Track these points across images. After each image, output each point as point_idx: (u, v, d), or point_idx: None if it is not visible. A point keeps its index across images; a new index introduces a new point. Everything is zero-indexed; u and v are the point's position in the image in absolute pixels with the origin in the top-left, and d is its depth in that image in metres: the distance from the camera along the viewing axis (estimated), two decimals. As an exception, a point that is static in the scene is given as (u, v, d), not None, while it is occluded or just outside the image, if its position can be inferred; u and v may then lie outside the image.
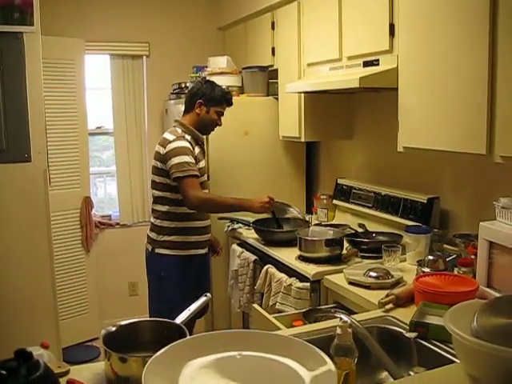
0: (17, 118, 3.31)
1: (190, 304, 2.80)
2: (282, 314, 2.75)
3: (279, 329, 2.37)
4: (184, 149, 3.16)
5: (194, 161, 3.17)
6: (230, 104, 3.42)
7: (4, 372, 1.31)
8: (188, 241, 3.31)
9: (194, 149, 3.25)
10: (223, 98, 3.36)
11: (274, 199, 3.37)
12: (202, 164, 3.35)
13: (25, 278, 3.44)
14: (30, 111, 3.33)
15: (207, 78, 4.20)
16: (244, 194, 3.85)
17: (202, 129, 3.36)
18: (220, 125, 3.40)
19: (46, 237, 3.49)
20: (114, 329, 1.74)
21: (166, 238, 3.28)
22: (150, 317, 3.25)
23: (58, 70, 4.39)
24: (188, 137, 3.25)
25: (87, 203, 4.70)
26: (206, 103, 3.32)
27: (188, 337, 1.43)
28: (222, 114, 3.39)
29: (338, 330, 1.45)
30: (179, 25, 5.00)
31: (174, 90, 4.69)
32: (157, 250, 3.29)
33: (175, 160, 3.13)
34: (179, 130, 3.27)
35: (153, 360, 1.22)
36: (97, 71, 5.04)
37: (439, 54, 2.50)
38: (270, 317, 2.50)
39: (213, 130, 3.44)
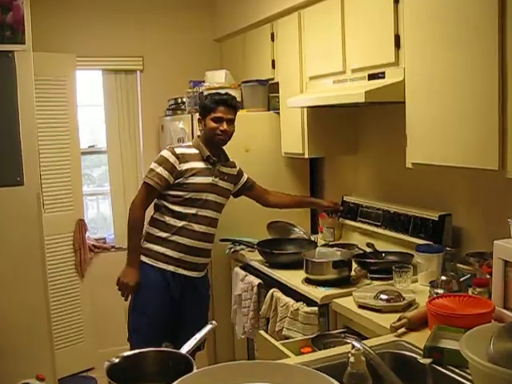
0: (8, 139, 3.36)
1: (160, 323, 3.28)
2: (289, 340, 2.78)
3: (287, 356, 2.40)
4: (160, 157, 3.32)
5: (163, 171, 3.25)
6: (222, 103, 3.35)
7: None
8: (168, 255, 3.33)
9: (185, 161, 3.30)
10: (212, 102, 3.35)
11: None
12: (200, 180, 3.32)
13: (18, 306, 3.46)
14: (21, 132, 3.37)
15: (204, 92, 4.27)
16: (246, 213, 3.92)
17: (209, 144, 3.38)
18: (223, 130, 3.33)
19: (40, 264, 3.52)
20: (117, 360, 1.76)
21: (148, 245, 3.36)
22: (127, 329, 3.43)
23: (48, 88, 4.43)
24: (191, 150, 3.37)
25: (81, 226, 4.73)
26: (201, 117, 3.40)
27: (196, 370, 1.46)
28: (221, 120, 3.33)
29: (351, 358, 1.49)
30: (174, 37, 5.05)
31: (170, 105, 4.75)
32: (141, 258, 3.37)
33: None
34: (189, 143, 3.52)
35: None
36: (89, 87, 5.10)
37: (447, 66, 2.55)
38: (277, 343, 2.54)
39: (221, 139, 3.38)
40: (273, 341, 2.58)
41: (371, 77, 3.10)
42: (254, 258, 3.71)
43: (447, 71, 2.55)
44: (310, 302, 3.01)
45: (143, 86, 5.05)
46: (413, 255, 3.17)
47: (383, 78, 3.01)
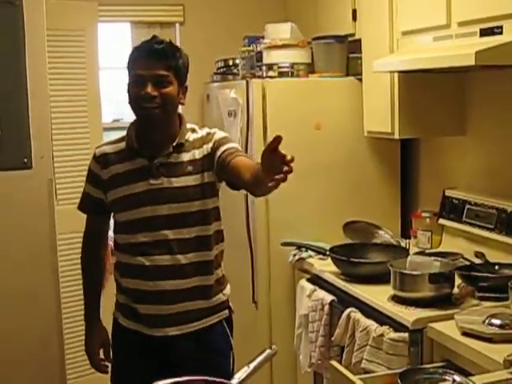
0: (13, 110, 3.43)
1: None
2: (371, 375, 2.81)
3: None
4: (88, 169, 2.97)
5: (91, 188, 2.90)
6: (142, 52, 2.74)
7: None
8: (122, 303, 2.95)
9: (107, 165, 2.82)
10: (130, 55, 2.79)
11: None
12: (125, 190, 2.78)
13: (24, 326, 3.54)
14: (30, 101, 3.43)
15: (264, 52, 4.32)
16: (315, 211, 3.95)
17: (139, 122, 2.84)
18: (146, 96, 2.65)
19: (51, 270, 3.61)
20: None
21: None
22: None
23: (63, 45, 4.48)
24: (118, 145, 2.87)
25: (102, 223, 4.82)
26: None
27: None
28: (142, 80, 2.67)
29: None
30: (224, -19, 5.12)
31: (219, 68, 4.81)
32: None
33: None
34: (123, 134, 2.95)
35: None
36: (114, 44, 5.18)
37: None
38: (355, 378, 2.57)
39: (148, 113, 2.70)
40: (349, 375, 2.61)
41: (484, 32, 3.09)
42: (326, 269, 3.75)
43: None
44: (398, 326, 3.04)
45: (184, 43, 5.08)
46: (537, 269, 3.17)
47: (500, 33, 3.00)
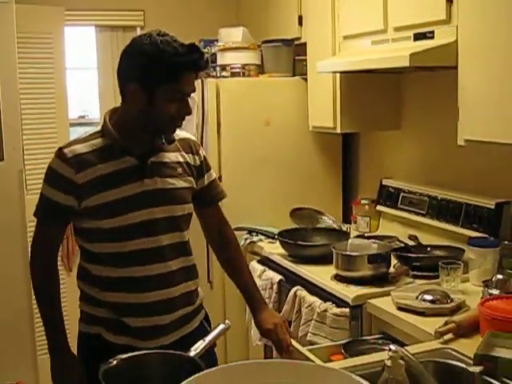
0: (-16, 106, 3.41)
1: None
2: (317, 346, 2.84)
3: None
4: (47, 170, 2.31)
5: (51, 191, 2.27)
6: (193, 65, 2.25)
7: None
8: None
9: (84, 167, 2.24)
10: (172, 63, 2.19)
11: None
12: (117, 193, 2.28)
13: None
14: (1, 98, 3.41)
15: (218, 54, 4.30)
16: (264, 199, 3.95)
17: (140, 129, 2.32)
18: (182, 115, 2.30)
19: (21, 252, 3.56)
20: (114, 363, 1.83)
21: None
22: None
23: (32, 46, 4.44)
24: (96, 143, 2.30)
25: (69, 211, 4.79)
26: (142, 85, 2.22)
27: (212, 368, 1.51)
28: (183, 97, 2.27)
29: (388, 362, 1.54)
30: (182, -12, 5.09)
31: (177, 69, 4.79)
32: None
33: None
34: (97, 128, 2.39)
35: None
36: (80, 47, 5.14)
37: (508, 24, 2.56)
38: (303, 349, 2.59)
39: (172, 130, 2.37)
40: (298, 346, 2.63)
41: (417, 37, 3.12)
42: (275, 251, 3.76)
43: (509, 31, 2.57)
44: (340, 302, 3.06)
45: (144, 46, 5.08)
46: (464, 250, 3.21)
47: (432, 38, 3.03)
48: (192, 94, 2.34)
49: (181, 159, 2.42)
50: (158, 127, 2.30)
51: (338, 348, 2.68)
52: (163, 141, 2.36)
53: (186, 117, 2.29)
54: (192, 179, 2.44)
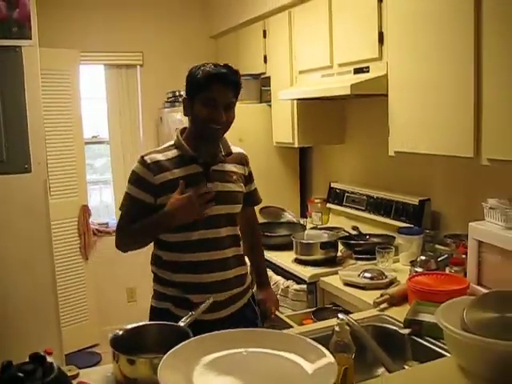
0: (16, 129, 3.35)
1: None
2: (292, 313, 2.88)
3: (291, 326, 2.52)
4: (131, 173, 2.32)
5: (137, 192, 2.27)
6: (218, 78, 2.22)
7: (21, 374, 1.39)
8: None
9: (160, 171, 2.25)
10: (203, 76, 2.21)
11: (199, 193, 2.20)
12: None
13: (28, 287, 3.48)
14: (29, 122, 3.37)
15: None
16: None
17: (198, 138, 2.31)
18: (217, 120, 2.23)
19: (47, 247, 3.53)
20: (120, 332, 1.81)
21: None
22: None
23: (53, 81, 4.42)
24: (170, 153, 2.31)
25: (85, 211, 4.76)
26: (188, 98, 2.30)
27: (198, 336, 1.50)
28: (216, 103, 2.21)
29: (337, 328, 1.53)
30: (172, 34, 5.06)
31: (169, 98, 4.77)
32: None
33: None
34: (171, 142, 2.40)
35: (168, 356, 1.30)
36: (92, 81, 5.11)
37: (426, 61, 2.59)
38: (283, 316, 2.63)
39: (214, 133, 2.28)
40: (279, 314, 2.66)
41: (356, 71, 3.13)
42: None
43: (426, 65, 2.60)
44: (299, 280, 3.06)
45: (143, 80, 5.06)
46: (395, 237, 3.22)
47: (368, 72, 3.04)
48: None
49: (235, 169, 2.40)
50: (200, 132, 2.28)
51: (309, 314, 2.72)
52: (222, 153, 2.36)
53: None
54: (243, 185, 2.43)
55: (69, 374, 1.73)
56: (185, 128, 2.40)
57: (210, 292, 2.27)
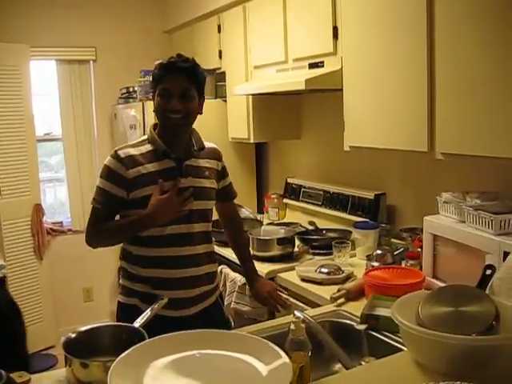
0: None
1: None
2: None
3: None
4: (103, 167, 2.28)
5: (109, 186, 2.23)
6: (171, 69, 2.23)
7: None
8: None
9: (133, 166, 2.22)
10: (159, 69, 2.26)
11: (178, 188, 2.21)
12: (155, 189, 2.22)
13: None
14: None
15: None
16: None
17: (163, 129, 2.30)
18: (172, 109, 2.20)
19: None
20: (73, 335, 1.77)
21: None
22: None
23: (3, 77, 4.35)
24: (143, 148, 2.28)
25: (38, 210, 4.65)
26: (153, 93, 2.31)
27: (150, 339, 1.48)
28: (169, 93, 2.20)
29: (292, 326, 1.51)
30: (126, 29, 4.98)
31: (123, 94, 4.70)
32: None
33: None
34: (144, 136, 2.38)
35: (117, 362, 1.26)
36: (44, 76, 5.00)
37: (380, 56, 2.60)
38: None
39: (173, 123, 2.24)
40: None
41: (311, 66, 3.13)
42: (204, 238, 3.69)
43: (380, 61, 2.60)
44: (256, 276, 3.04)
45: (96, 76, 4.97)
46: (351, 231, 3.23)
47: (322, 66, 3.04)
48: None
49: (207, 164, 2.37)
50: (162, 123, 2.27)
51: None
52: (195, 148, 2.33)
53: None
54: (215, 181, 2.40)
55: (19, 380, 1.68)
56: (157, 123, 2.37)
57: (179, 288, 2.26)
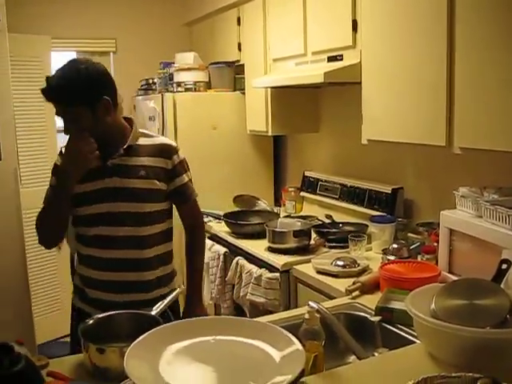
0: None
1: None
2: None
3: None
4: (53, 167, 2.33)
5: (52, 180, 2.28)
6: (46, 96, 2.12)
7: (-14, 364, 1.36)
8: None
9: None
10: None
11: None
12: (84, 187, 2.18)
13: (-2, 278, 3.43)
14: (-1, 111, 3.33)
15: (174, 73, 4.27)
16: (213, 188, 3.93)
17: None
18: (65, 128, 2.14)
19: (18, 237, 3.49)
20: (91, 321, 1.80)
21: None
22: None
23: (24, 68, 4.34)
24: None
25: (57, 200, 4.70)
26: None
27: (165, 324, 1.50)
28: (59, 114, 2.14)
29: (306, 315, 1.53)
30: (146, 21, 5.01)
31: (142, 86, 4.73)
32: None
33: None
34: None
35: (134, 345, 1.29)
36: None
37: (399, 49, 2.59)
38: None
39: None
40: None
41: (330, 59, 3.12)
42: (221, 229, 3.72)
43: (400, 54, 2.60)
44: (272, 268, 3.05)
45: (116, 67, 4.99)
46: (367, 225, 3.22)
47: (341, 60, 3.04)
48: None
49: (147, 163, 2.20)
50: None
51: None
52: (124, 147, 2.19)
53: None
54: (157, 181, 2.21)
55: (39, 363, 1.71)
56: None
57: (104, 291, 2.21)
